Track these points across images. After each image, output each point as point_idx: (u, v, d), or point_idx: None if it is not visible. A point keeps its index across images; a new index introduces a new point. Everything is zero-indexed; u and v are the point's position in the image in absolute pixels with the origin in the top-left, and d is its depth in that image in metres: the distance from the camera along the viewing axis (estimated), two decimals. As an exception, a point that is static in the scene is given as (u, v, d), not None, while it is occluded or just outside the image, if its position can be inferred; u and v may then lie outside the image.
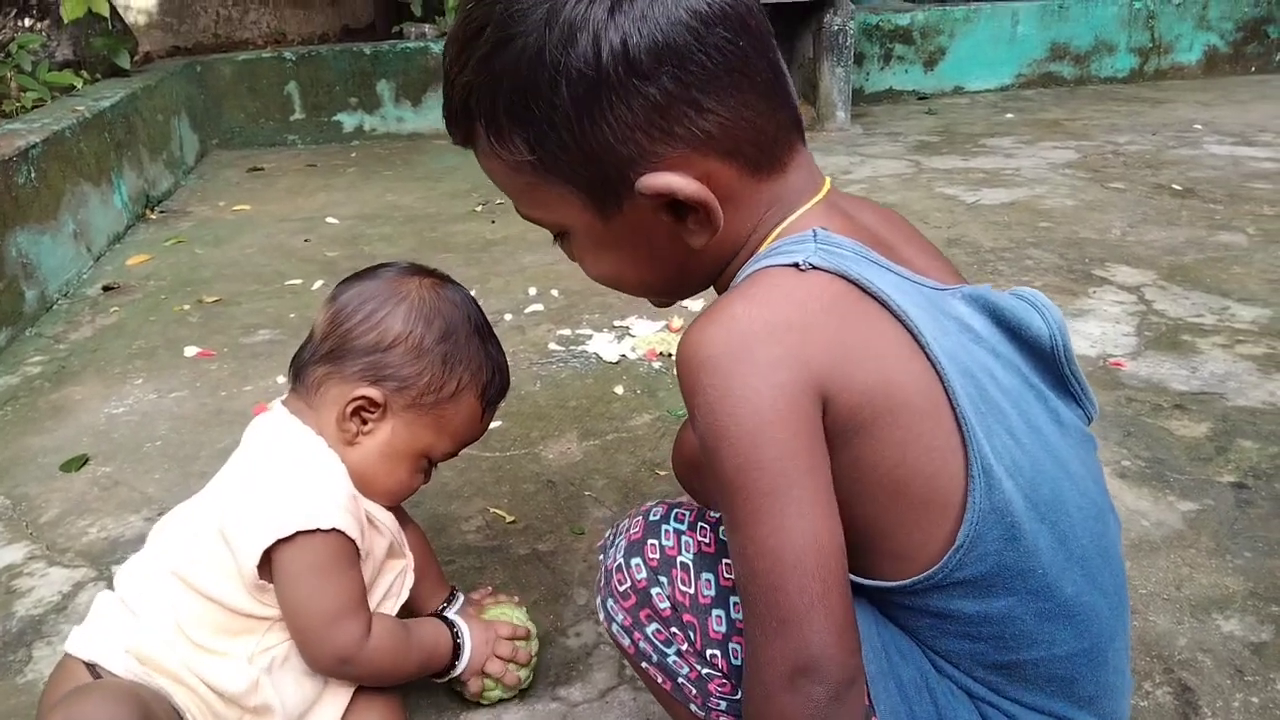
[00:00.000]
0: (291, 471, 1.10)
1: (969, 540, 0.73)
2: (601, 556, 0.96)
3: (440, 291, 1.17)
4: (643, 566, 0.89)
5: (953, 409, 0.73)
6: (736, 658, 0.84)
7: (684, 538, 0.89)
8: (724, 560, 0.86)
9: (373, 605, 1.16)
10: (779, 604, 0.68)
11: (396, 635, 1.12)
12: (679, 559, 0.87)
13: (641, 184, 0.74)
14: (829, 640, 0.67)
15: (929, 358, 0.74)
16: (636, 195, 0.75)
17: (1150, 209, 3.16)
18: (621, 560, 0.90)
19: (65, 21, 3.63)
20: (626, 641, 0.91)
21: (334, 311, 1.14)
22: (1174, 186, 3.40)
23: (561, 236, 0.86)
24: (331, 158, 4.53)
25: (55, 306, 2.70)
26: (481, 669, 1.20)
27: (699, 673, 0.86)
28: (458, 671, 1.19)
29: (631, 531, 0.92)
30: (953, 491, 0.73)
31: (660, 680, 0.89)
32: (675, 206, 0.77)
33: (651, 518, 0.91)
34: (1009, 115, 4.80)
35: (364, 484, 1.14)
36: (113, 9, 3.70)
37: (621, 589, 0.89)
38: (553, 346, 2.29)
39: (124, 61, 4.00)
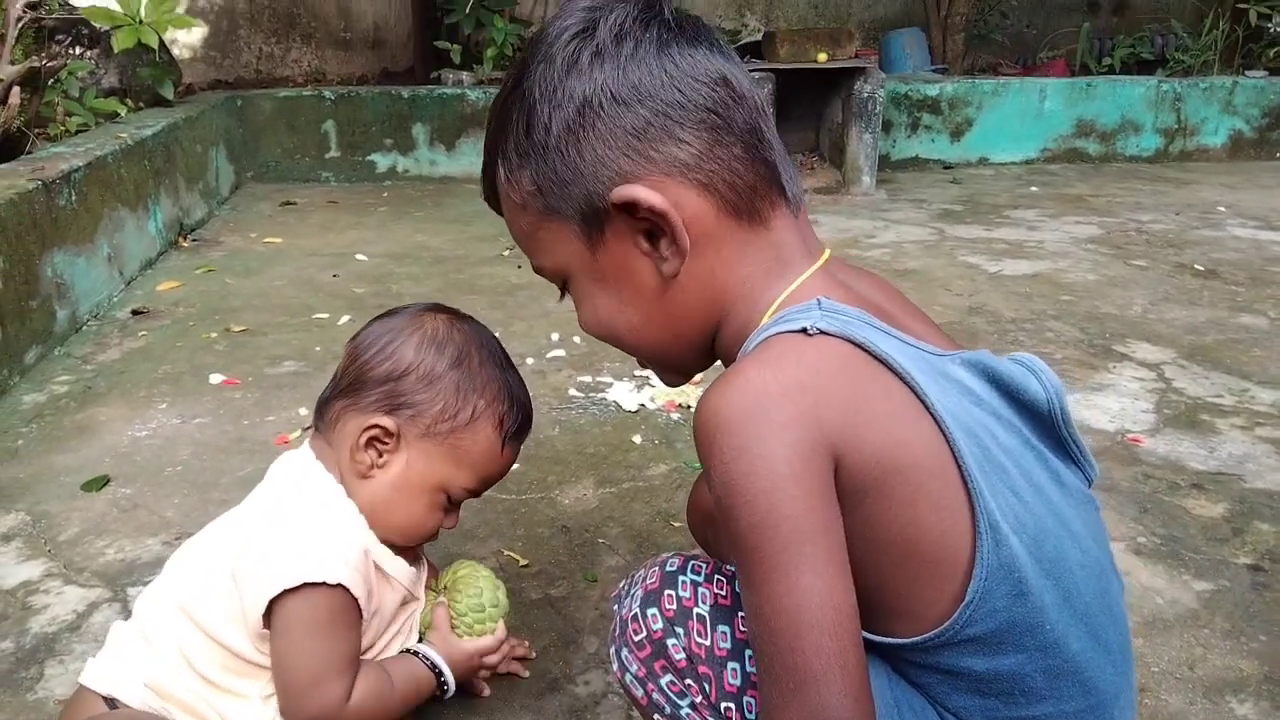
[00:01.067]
0: (305, 522, 1.09)
1: (978, 597, 0.74)
2: (615, 606, 0.96)
3: (455, 323, 1.17)
4: (659, 617, 0.89)
5: (959, 467, 0.75)
6: (751, 711, 0.84)
7: (700, 589, 0.89)
8: (740, 613, 0.86)
9: (380, 648, 1.16)
10: (796, 664, 0.68)
11: (380, 686, 1.09)
12: (695, 610, 0.88)
13: (612, 195, 0.81)
14: (846, 702, 0.68)
15: (934, 418, 0.76)
16: (616, 219, 0.82)
17: (1172, 288, 3.17)
18: (638, 610, 0.90)
19: (115, 51, 3.72)
20: (640, 693, 0.91)
21: (353, 347, 1.16)
22: (1196, 267, 3.41)
23: (565, 289, 0.92)
24: (364, 196, 4.60)
25: (85, 327, 2.74)
26: (476, 674, 1.24)
27: None
28: (449, 693, 1.20)
29: (648, 581, 0.92)
30: (961, 549, 0.75)
31: None
32: (650, 234, 0.83)
33: (668, 568, 0.92)
34: (1033, 188, 4.84)
35: (379, 520, 1.13)
36: (161, 41, 3.80)
37: (637, 639, 0.89)
38: (573, 392, 2.31)
39: (168, 92, 4.10)
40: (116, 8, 3.73)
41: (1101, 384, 2.37)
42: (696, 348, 0.90)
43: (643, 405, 2.23)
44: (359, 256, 3.50)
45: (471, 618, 1.21)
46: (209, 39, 5.71)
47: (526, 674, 1.35)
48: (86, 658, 1.37)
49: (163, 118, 3.80)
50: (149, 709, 1.06)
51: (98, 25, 3.81)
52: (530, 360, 2.50)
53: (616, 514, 1.77)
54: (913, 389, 0.76)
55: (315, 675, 1.03)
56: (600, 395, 2.29)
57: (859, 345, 0.77)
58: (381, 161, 4.97)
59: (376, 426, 1.10)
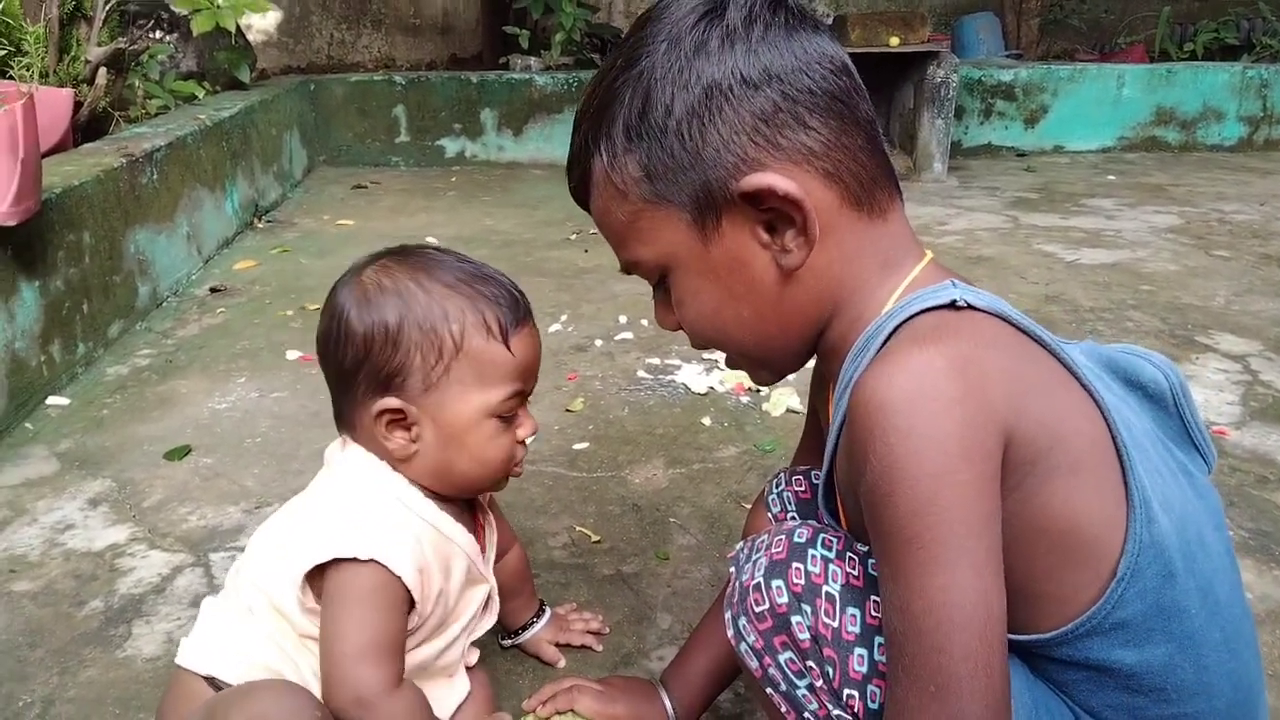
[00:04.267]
0: (355, 501, 1.06)
1: (1130, 572, 0.72)
2: (733, 569, 0.90)
3: (386, 267, 1.08)
4: (784, 590, 0.82)
5: (1113, 439, 0.74)
6: (874, 701, 0.78)
7: (831, 566, 0.82)
8: (872, 596, 0.80)
9: (449, 638, 1.13)
10: (940, 667, 0.65)
11: (423, 712, 1.05)
12: (825, 588, 0.81)
13: (743, 183, 0.78)
14: (988, 713, 0.65)
15: (1086, 389, 0.75)
16: (735, 209, 0.80)
17: (1257, 279, 3.07)
18: (761, 580, 0.84)
19: (194, 35, 3.80)
20: (754, 664, 0.84)
21: (317, 348, 1.10)
22: (1283, 258, 3.30)
23: (661, 285, 0.89)
24: (433, 180, 4.64)
25: (165, 303, 2.81)
26: None
27: (828, 711, 0.80)
28: None
29: (774, 550, 0.85)
30: (1116, 525, 0.73)
31: (784, 709, 0.83)
32: (770, 225, 0.80)
33: (796, 539, 0.85)
34: (1110, 177, 4.72)
35: (452, 481, 1.08)
36: (237, 26, 3.87)
37: (758, 610, 0.83)
38: (641, 374, 2.31)
39: (244, 75, 4.18)
40: (196, -8, 3.80)
41: (1185, 375, 2.30)
42: (803, 343, 0.88)
43: (711, 388, 2.22)
44: (429, 239, 3.53)
45: None
46: (283, 24, 5.80)
47: (600, 647, 1.36)
48: (171, 619, 1.42)
49: (239, 101, 3.87)
50: (254, 681, 1.05)
51: (177, 10, 3.89)
52: (599, 342, 2.50)
53: (687, 494, 1.77)
54: (1061, 361, 0.76)
55: (361, 648, 0.99)
56: (669, 377, 2.28)
57: (1006, 319, 0.76)
58: (450, 146, 5.01)
59: (383, 411, 1.05)
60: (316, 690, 1.01)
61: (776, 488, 1.16)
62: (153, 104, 3.54)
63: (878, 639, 0.78)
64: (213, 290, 2.92)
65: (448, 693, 1.17)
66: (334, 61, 5.94)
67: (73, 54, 3.05)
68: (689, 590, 1.49)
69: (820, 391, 1.06)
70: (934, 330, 0.74)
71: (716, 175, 0.79)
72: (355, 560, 0.99)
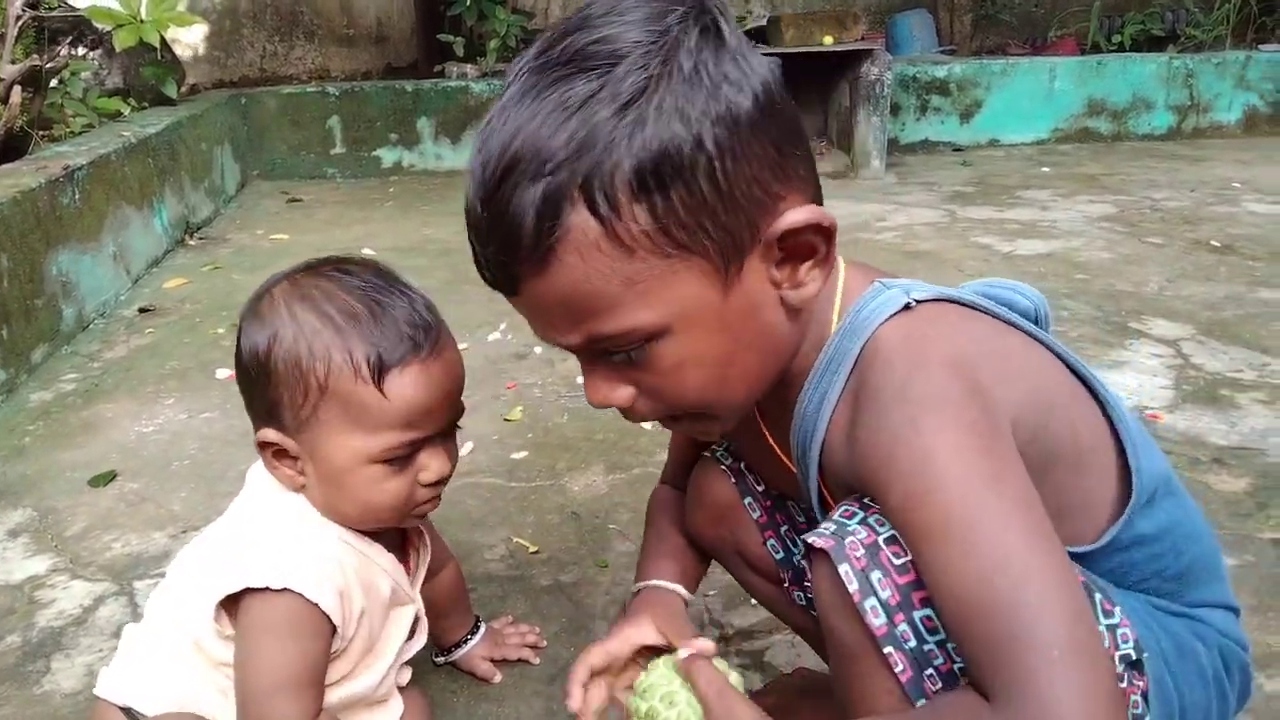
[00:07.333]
0: (271, 524, 1.02)
1: (1138, 465, 0.84)
2: (816, 539, 0.79)
3: (275, 292, 0.99)
4: None
5: (1069, 366, 0.85)
6: None
7: None
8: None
9: (384, 670, 1.10)
10: (1077, 634, 0.64)
11: None
12: None
13: (783, 221, 0.74)
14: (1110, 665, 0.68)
15: (1044, 344, 0.84)
16: (759, 249, 0.75)
17: (1188, 264, 3.13)
18: (894, 532, 0.76)
19: (117, 50, 3.71)
20: (882, 620, 0.75)
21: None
22: (1212, 243, 3.36)
23: (637, 355, 0.76)
24: (370, 191, 4.58)
25: (92, 325, 2.73)
26: None
27: (953, 666, 0.75)
28: None
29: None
30: (1104, 435, 0.85)
31: (900, 669, 0.75)
32: (782, 260, 0.77)
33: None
34: (1045, 169, 4.79)
35: (338, 515, 1.02)
36: (162, 40, 3.78)
37: (898, 562, 0.75)
38: (581, 380, 2.28)
39: (171, 91, 4.09)
40: (117, 7, 3.71)
41: (1118, 361, 2.33)
42: (777, 378, 0.84)
43: (652, 391, 2.20)
44: (366, 251, 3.47)
45: None
46: (212, 38, 5.70)
47: (537, 661, 1.33)
48: (93, 651, 1.37)
49: (166, 116, 3.79)
50: (169, 714, 1.02)
51: (99, 25, 3.80)
52: (539, 350, 2.47)
53: (627, 500, 1.75)
54: (1002, 319, 0.83)
55: (272, 685, 0.94)
56: (609, 382, 2.26)
57: (950, 300, 0.81)
58: (387, 156, 4.95)
59: (260, 443, 0.99)
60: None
61: (719, 448, 1.13)
62: (77, 122, 3.45)
63: None
64: (141, 310, 2.85)
65: (380, 717, 1.14)
66: (267, 74, 5.84)
67: (-15, 72, 2.96)
68: (625, 597, 1.47)
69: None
70: (908, 344, 0.77)
71: (748, 215, 0.72)
72: (268, 590, 0.94)
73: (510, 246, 0.71)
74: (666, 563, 1.13)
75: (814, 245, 0.76)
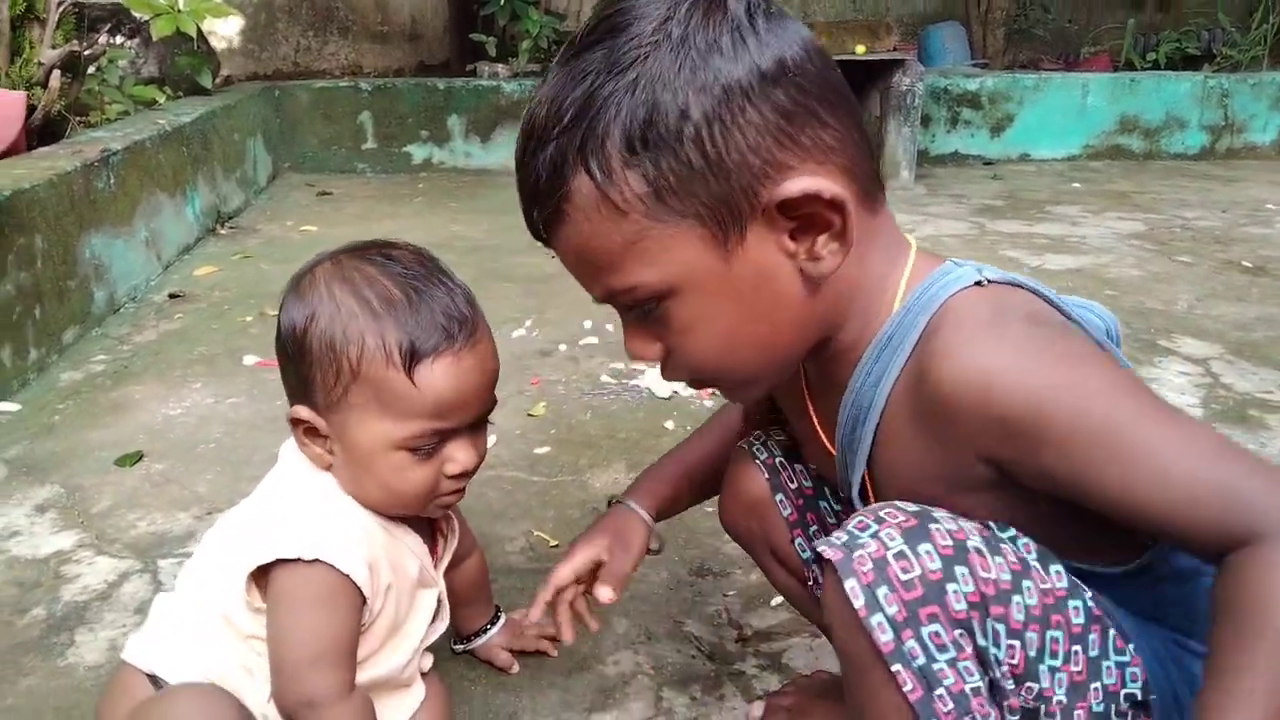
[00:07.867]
0: (302, 497, 1.03)
1: None
2: (827, 549, 0.79)
3: (322, 270, 1.00)
4: (935, 555, 0.75)
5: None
6: (1032, 649, 0.76)
7: (961, 523, 0.78)
8: (1003, 544, 0.78)
9: (402, 637, 1.10)
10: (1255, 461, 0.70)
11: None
12: (969, 542, 0.76)
13: (781, 189, 0.74)
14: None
15: (1098, 342, 0.82)
16: (762, 218, 0.75)
17: (1219, 284, 3.10)
18: (904, 547, 0.75)
19: (154, 39, 3.75)
20: (888, 636, 0.75)
21: None
22: (1244, 263, 3.33)
23: (641, 311, 0.81)
24: (399, 187, 4.61)
25: (122, 309, 2.76)
26: None
27: (964, 687, 0.75)
28: None
29: (901, 520, 0.77)
30: None
31: (909, 688, 0.75)
32: (797, 231, 0.77)
33: (909, 508, 0.79)
34: (1075, 184, 4.76)
35: (363, 497, 1.03)
36: (199, 31, 3.82)
37: (905, 578, 0.74)
38: (605, 379, 2.29)
39: (206, 81, 4.13)
40: (156, -4, 3.75)
41: (1147, 379, 2.31)
42: (807, 353, 0.85)
43: (675, 392, 2.20)
44: (393, 244, 3.50)
45: None
46: (247, 31, 5.75)
47: (555, 653, 1.33)
48: (116, 626, 1.38)
49: (200, 106, 3.83)
50: (190, 684, 1.02)
51: (137, 14, 3.84)
52: (563, 347, 2.48)
53: (648, 497, 1.75)
54: (1073, 318, 0.81)
55: (309, 656, 0.95)
56: (632, 382, 2.27)
57: (1024, 287, 0.81)
58: (417, 153, 4.98)
59: (292, 419, 1.01)
60: (267, 692, 0.99)
61: (757, 440, 1.13)
62: (112, 109, 3.49)
63: (1025, 582, 0.77)
64: (171, 296, 2.88)
65: (403, 700, 1.14)
66: (300, 68, 5.89)
67: (25, 56, 3.00)
68: (646, 594, 1.47)
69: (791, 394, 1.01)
70: (982, 308, 0.77)
71: (743, 183, 0.74)
72: (300, 561, 0.95)
73: (533, 203, 0.79)
74: (651, 485, 1.22)
75: (827, 218, 0.76)
